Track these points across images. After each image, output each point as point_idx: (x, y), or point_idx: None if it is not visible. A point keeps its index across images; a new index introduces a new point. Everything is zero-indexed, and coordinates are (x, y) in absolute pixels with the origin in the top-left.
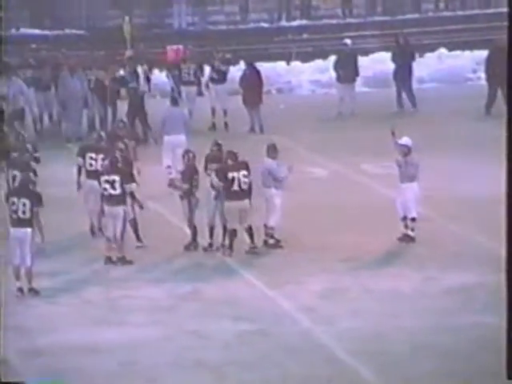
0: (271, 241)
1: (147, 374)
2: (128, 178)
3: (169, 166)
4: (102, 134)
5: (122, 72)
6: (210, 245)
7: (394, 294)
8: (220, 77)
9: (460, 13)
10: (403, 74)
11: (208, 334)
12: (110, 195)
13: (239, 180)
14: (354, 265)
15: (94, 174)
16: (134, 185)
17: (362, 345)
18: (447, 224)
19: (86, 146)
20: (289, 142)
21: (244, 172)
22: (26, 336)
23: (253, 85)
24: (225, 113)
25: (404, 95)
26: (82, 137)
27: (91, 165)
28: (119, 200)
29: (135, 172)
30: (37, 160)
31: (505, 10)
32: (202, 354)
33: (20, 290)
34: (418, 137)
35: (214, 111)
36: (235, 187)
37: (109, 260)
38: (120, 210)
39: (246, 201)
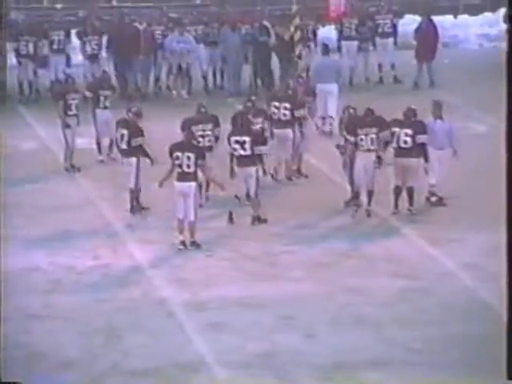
0: (433, 198)
1: (305, 330)
2: (259, 139)
3: (323, 117)
4: (291, 82)
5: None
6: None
7: None
8: (386, 30)
9: None
10: None
11: (368, 291)
12: (241, 156)
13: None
14: None
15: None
16: (263, 148)
17: None
18: None
19: (273, 95)
20: (453, 97)
21: (407, 130)
22: (188, 289)
23: (429, 38)
24: (392, 67)
25: None
26: (243, 92)
27: (274, 113)
28: (250, 161)
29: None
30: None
31: None
32: (361, 310)
33: (183, 243)
34: None
35: (380, 66)
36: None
37: (254, 219)
38: (252, 170)
39: (411, 160)
